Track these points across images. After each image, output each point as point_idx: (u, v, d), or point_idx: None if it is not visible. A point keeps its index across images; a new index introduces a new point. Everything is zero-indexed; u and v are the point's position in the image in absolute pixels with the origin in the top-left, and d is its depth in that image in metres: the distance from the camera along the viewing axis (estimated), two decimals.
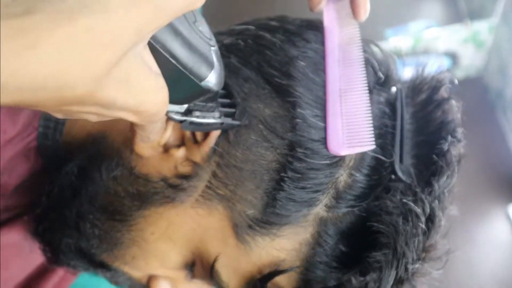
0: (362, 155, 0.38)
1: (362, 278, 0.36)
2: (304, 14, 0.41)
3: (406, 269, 0.36)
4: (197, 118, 0.35)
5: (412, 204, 0.36)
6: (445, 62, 1.82)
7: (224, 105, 0.37)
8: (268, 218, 0.37)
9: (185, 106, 0.34)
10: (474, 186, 1.61)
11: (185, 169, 0.38)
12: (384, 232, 0.36)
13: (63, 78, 0.21)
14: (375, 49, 0.41)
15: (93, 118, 0.27)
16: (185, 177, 0.38)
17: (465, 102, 0.41)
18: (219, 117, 0.36)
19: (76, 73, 0.22)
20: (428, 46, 1.77)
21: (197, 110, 0.35)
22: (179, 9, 0.25)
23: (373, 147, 0.37)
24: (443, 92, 0.40)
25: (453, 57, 1.83)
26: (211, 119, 0.35)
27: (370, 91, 0.39)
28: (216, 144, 0.37)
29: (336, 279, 0.37)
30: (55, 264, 0.45)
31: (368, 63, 0.39)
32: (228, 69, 0.38)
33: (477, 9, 1.87)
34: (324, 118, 0.37)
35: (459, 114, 0.40)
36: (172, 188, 0.38)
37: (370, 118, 0.37)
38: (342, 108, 0.37)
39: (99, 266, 0.43)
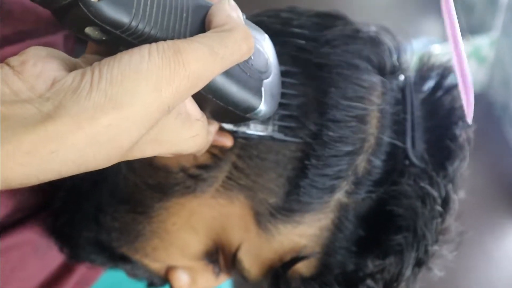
0: (379, 141, 0.38)
1: (381, 261, 0.36)
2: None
3: (426, 251, 0.36)
4: (250, 130, 0.36)
5: (429, 188, 0.37)
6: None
7: (283, 117, 0.38)
8: (290, 206, 0.38)
9: None
10: (485, 202, 1.60)
11: (204, 159, 0.39)
12: (403, 216, 0.37)
13: (85, 167, 0.23)
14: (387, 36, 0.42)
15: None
16: (205, 167, 0.38)
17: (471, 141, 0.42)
18: (272, 131, 0.37)
19: (98, 163, 0.23)
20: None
21: (250, 122, 0.36)
22: (219, 71, 0.26)
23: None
24: (452, 79, 0.41)
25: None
26: (263, 132, 0.37)
27: (385, 76, 0.40)
28: (236, 137, 0.38)
29: (355, 264, 0.37)
30: (74, 259, 0.45)
31: (382, 49, 0.40)
32: None
33: (477, 23, 1.89)
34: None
35: None
36: (192, 179, 0.39)
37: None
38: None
39: (119, 259, 0.43)
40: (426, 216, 0.37)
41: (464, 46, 0.38)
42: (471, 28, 1.91)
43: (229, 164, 0.38)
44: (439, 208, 0.37)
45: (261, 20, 0.41)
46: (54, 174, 0.22)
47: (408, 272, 0.36)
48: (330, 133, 0.37)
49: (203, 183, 0.39)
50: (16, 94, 0.22)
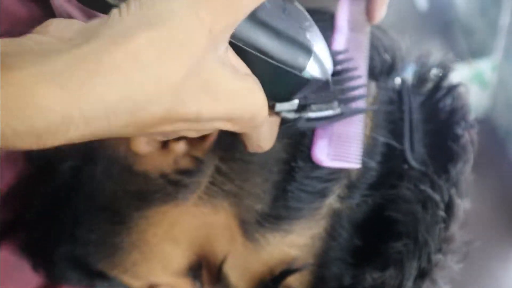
0: (373, 141, 0.36)
1: (380, 274, 0.33)
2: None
3: (429, 260, 0.33)
4: (313, 112, 0.31)
5: (430, 191, 0.34)
6: None
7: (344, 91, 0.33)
8: (278, 212, 0.35)
9: (296, 102, 0.30)
10: (489, 225, 1.57)
11: (185, 163, 0.36)
12: (402, 221, 0.34)
13: (132, 99, 0.20)
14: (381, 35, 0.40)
15: (193, 134, 0.26)
16: (186, 172, 0.36)
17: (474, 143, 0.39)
18: (338, 106, 0.33)
19: (147, 91, 0.20)
20: None
21: (311, 103, 0.31)
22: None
23: (358, 166, 0.34)
24: (451, 79, 0.39)
25: None
26: (329, 110, 0.32)
27: (376, 78, 0.38)
28: (220, 137, 0.35)
29: (352, 276, 0.34)
30: (49, 279, 0.42)
31: (374, 48, 0.38)
32: None
33: (478, 47, 1.89)
34: None
35: (468, 99, 0.39)
36: (173, 185, 0.36)
37: (362, 137, 0.35)
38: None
39: (96, 276, 0.40)
40: (427, 222, 0.34)
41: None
42: (472, 52, 1.90)
43: (212, 168, 0.36)
44: (442, 213, 0.34)
45: None
46: (97, 109, 0.19)
47: (409, 284, 0.33)
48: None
49: (185, 190, 0.36)
50: (42, 43, 0.20)
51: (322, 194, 0.35)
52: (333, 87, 0.32)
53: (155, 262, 0.38)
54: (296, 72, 0.27)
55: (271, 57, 0.26)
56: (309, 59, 0.27)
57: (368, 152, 0.36)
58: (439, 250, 0.34)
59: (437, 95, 0.39)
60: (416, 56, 0.40)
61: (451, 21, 1.98)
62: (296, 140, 0.35)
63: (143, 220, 0.37)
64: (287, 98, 0.29)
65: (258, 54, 0.26)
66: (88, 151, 0.38)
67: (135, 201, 0.37)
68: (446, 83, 0.39)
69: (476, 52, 1.87)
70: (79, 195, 0.39)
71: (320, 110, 0.32)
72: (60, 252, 0.40)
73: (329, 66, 0.29)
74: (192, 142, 0.36)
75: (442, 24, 1.99)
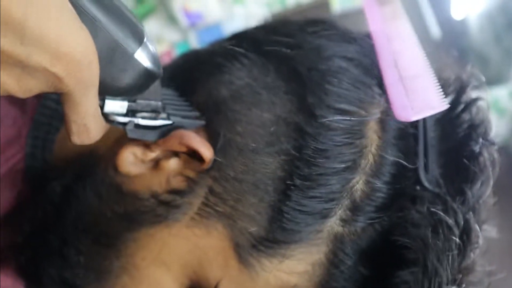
0: (381, 160, 0.33)
1: None
2: None
3: None
4: (143, 119, 0.32)
5: (442, 214, 0.31)
6: None
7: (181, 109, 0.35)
8: (274, 236, 0.33)
9: (126, 104, 0.31)
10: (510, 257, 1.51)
11: (177, 183, 0.34)
12: (411, 247, 0.31)
13: None
14: None
15: (14, 76, 0.24)
16: (178, 192, 0.34)
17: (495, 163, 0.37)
18: (168, 118, 0.33)
19: None
20: None
21: (141, 110, 0.32)
22: None
23: (445, 107, 0.33)
24: (470, 93, 0.36)
25: None
26: (160, 120, 0.32)
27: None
28: (212, 156, 0.34)
29: None
30: None
31: None
32: (209, 72, 0.36)
33: (493, 75, 1.86)
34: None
35: (489, 115, 0.36)
36: (164, 206, 0.34)
37: (434, 76, 0.34)
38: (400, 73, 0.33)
39: None
40: (438, 248, 0.30)
41: None
42: (488, 80, 1.87)
43: (204, 188, 0.34)
44: (456, 238, 0.31)
45: (248, 31, 0.38)
46: None
47: None
48: (314, 146, 0.32)
49: (176, 210, 0.34)
50: None
51: (322, 216, 0.32)
52: (163, 99, 0.33)
53: (144, 287, 0.36)
54: (129, 49, 0.28)
55: (106, 27, 0.26)
56: (140, 44, 0.28)
57: (375, 171, 0.33)
58: (454, 281, 0.30)
59: (454, 110, 0.37)
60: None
61: (465, 49, 1.97)
62: (294, 155, 0.33)
63: (131, 243, 0.35)
64: (118, 92, 0.30)
65: (93, 18, 0.26)
66: (79, 170, 0.37)
67: (124, 222, 0.35)
68: (464, 98, 0.37)
69: (492, 80, 1.84)
70: (67, 215, 0.37)
71: (150, 118, 0.32)
72: (48, 274, 0.38)
73: (157, 66, 0.30)
74: (185, 160, 0.34)
75: (456, 52, 1.97)
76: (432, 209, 0.31)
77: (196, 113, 0.35)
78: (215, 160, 0.33)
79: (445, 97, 0.37)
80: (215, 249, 0.34)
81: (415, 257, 0.31)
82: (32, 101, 0.40)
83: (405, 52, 0.35)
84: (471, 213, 0.32)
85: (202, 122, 0.34)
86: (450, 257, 0.30)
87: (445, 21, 1.90)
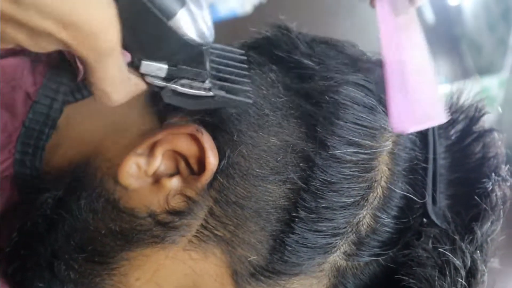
0: (388, 193, 0.32)
1: None
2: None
3: None
4: (182, 86, 0.29)
5: (450, 255, 0.31)
6: None
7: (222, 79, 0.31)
8: (274, 266, 0.32)
9: (165, 67, 0.28)
10: None
11: (177, 203, 0.33)
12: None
13: None
14: None
15: (23, 38, 0.24)
16: (177, 213, 0.33)
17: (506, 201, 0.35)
18: (210, 90, 0.30)
19: None
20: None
21: (182, 77, 0.29)
22: None
23: (445, 120, 0.32)
24: (483, 123, 0.35)
25: None
26: (200, 90, 0.29)
27: None
28: (214, 177, 0.32)
29: None
30: None
31: None
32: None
33: (486, 65, 1.86)
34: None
35: (503, 148, 0.35)
36: (162, 226, 0.33)
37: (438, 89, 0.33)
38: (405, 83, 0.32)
39: None
40: None
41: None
42: (479, 69, 1.88)
43: (205, 209, 0.33)
44: (462, 281, 0.30)
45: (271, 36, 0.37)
46: None
47: None
48: (322, 178, 0.31)
49: (174, 232, 0.33)
50: None
51: (326, 250, 0.32)
52: (210, 66, 0.30)
53: None
54: (164, 18, 0.25)
55: None
56: (180, 8, 0.25)
57: (382, 205, 0.32)
58: None
59: (466, 139, 0.36)
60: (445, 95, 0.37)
61: (459, 36, 1.96)
62: (300, 186, 0.31)
63: (125, 262, 0.34)
64: (154, 56, 0.27)
65: None
66: (73, 182, 0.35)
67: (119, 240, 0.34)
68: (477, 127, 0.36)
69: (484, 70, 1.84)
70: (59, 229, 0.35)
71: (190, 86, 0.29)
72: (36, 287, 0.36)
73: (207, 33, 0.27)
74: (186, 179, 0.33)
75: (449, 39, 1.96)
76: (440, 249, 0.31)
77: (247, 88, 0.32)
78: (216, 179, 0.32)
79: (454, 123, 0.36)
80: (212, 274, 0.33)
81: None
82: (22, 106, 0.37)
83: (413, 62, 0.33)
84: (478, 252, 0.31)
85: (249, 101, 0.31)
86: None
87: (440, 6, 1.88)
